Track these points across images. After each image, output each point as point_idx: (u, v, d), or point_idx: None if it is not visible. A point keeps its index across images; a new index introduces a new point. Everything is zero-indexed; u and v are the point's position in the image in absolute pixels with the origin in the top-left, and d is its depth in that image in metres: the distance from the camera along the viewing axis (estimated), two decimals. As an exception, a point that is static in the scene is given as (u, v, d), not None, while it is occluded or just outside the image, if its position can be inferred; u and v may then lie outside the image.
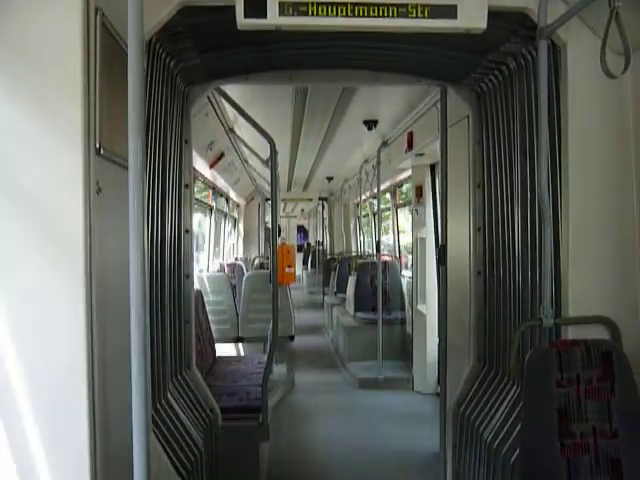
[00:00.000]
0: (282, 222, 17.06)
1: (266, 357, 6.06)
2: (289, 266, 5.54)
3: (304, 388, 6.82)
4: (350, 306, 8.49)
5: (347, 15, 2.39)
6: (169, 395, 3.18)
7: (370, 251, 10.61)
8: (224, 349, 6.65)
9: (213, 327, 5.83)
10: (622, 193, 2.61)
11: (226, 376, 5.00)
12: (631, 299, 2.60)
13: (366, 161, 8.58)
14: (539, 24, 2.55)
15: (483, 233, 3.81)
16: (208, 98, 4.41)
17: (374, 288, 8.32)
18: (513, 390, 3.30)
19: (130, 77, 1.60)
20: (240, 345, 7.45)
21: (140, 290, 1.58)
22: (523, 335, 3.09)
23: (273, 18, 2.35)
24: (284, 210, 18.01)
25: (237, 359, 5.90)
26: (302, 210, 19.80)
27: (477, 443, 3.39)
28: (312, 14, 2.37)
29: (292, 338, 6.76)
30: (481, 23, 2.46)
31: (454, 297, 4.03)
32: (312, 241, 19.86)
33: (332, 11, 2.38)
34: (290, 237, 21.93)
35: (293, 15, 2.36)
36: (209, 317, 5.68)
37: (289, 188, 13.64)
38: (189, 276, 3.69)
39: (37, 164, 1.64)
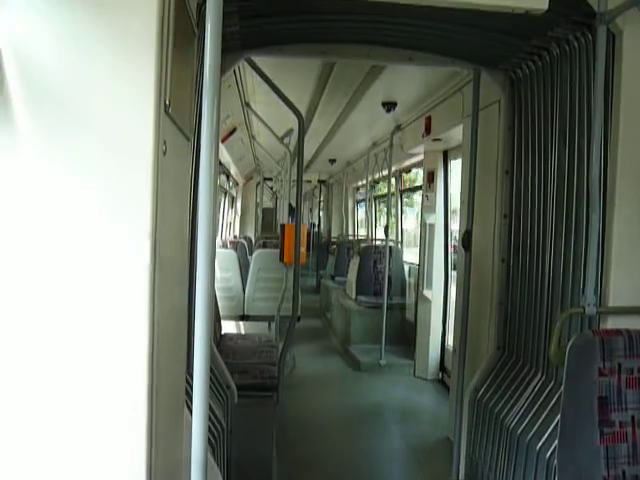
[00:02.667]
0: (274, 202, 16.93)
1: (271, 335, 6.09)
2: (301, 245, 5.49)
3: (306, 368, 6.80)
4: (351, 289, 8.47)
5: None
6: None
7: (370, 235, 10.57)
8: (226, 326, 6.60)
9: (219, 304, 5.78)
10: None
11: (235, 353, 4.96)
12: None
13: (374, 144, 8.51)
14: (599, 9, 2.50)
15: (509, 220, 3.78)
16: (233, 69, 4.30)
17: (376, 272, 8.31)
18: (537, 378, 3.29)
19: (210, 42, 1.54)
20: (241, 323, 7.41)
21: (209, 272, 1.58)
22: (552, 322, 3.09)
23: None
24: (280, 191, 17.90)
25: (243, 336, 5.86)
26: (298, 192, 19.64)
27: (498, 430, 3.39)
28: None
29: (298, 318, 6.74)
30: (543, 4, 2.40)
31: (475, 283, 4.01)
32: (306, 223, 19.77)
33: None
34: (283, 219, 21.79)
35: None
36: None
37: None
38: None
39: (105, 116, 1.57)
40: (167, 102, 1.64)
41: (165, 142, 1.67)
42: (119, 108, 1.57)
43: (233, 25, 3.04)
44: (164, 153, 1.67)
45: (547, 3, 2.41)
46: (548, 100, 3.30)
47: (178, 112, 1.81)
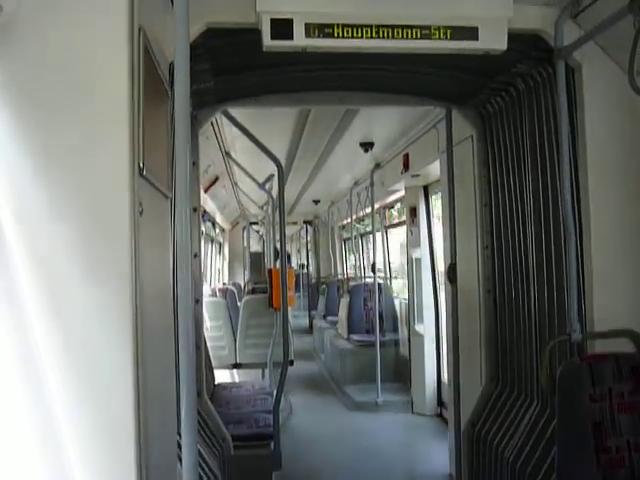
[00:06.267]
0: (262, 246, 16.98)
1: (265, 383, 6.01)
2: (289, 289, 5.49)
3: (302, 413, 6.71)
4: (343, 329, 8.43)
5: (372, 37, 2.42)
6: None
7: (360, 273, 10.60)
8: (220, 375, 6.52)
9: (211, 353, 5.72)
10: (642, 207, 2.66)
11: (229, 402, 4.90)
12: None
13: (356, 183, 8.62)
14: (556, 46, 2.61)
15: (491, 251, 3.84)
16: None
17: (367, 310, 8.29)
18: (532, 408, 3.29)
19: (177, 103, 1.58)
20: (235, 371, 7.31)
21: (190, 322, 1.58)
22: (542, 351, 3.10)
23: (299, 39, 2.36)
24: (265, 235, 17.92)
25: (236, 385, 5.79)
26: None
27: (497, 463, 3.36)
28: (337, 36, 2.39)
29: (291, 363, 6.66)
30: (501, 45, 2.52)
31: (464, 316, 4.03)
32: (295, 265, 19.76)
33: (357, 33, 2.40)
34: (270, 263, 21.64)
35: (319, 37, 2.38)
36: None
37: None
38: (198, 301, 3.63)
39: (81, 183, 1.60)
40: (141, 164, 1.68)
41: (141, 203, 1.70)
42: (95, 173, 1.60)
43: (207, 81, 3.12)
44: (140, 214, 1.70)
45: (505, 43, 2.53)
46: (518, 133, 3.40)
47: (153, 172, 1.85)
